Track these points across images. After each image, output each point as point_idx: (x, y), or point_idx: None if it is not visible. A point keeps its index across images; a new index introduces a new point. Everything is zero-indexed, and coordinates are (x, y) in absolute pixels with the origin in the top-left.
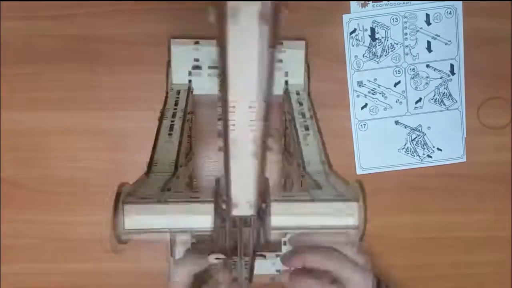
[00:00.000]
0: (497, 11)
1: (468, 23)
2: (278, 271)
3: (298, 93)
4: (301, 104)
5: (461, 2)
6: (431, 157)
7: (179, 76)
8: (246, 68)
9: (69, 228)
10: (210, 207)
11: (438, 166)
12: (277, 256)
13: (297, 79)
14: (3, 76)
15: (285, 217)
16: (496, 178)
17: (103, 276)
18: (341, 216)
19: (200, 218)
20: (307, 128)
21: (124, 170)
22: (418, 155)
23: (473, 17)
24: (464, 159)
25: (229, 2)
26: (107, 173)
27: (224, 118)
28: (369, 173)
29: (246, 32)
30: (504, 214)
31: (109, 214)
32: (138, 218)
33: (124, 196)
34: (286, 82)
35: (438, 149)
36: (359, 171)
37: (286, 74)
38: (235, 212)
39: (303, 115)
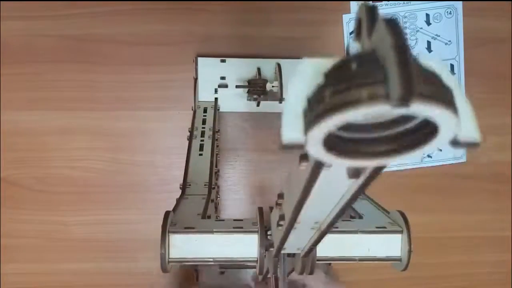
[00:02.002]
0: (497, 11)
1: (468, 23)
2: None
3: None
4: None
5: (461, 2)
6: (431, 157)
7: (205, 94)
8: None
9: (69, 228)
10: (255, 237)
11: (438, 166)
12: None
13: None
14: (3, 76)
15: (330, 249)
16: (496, 178)
17: (103, 276)
18: (385, 248)
19: (246, 249)
20: None
21: (123, 170)
22: None
23: (473, 17)
24: (464, 159)
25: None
26: (107, 173)
27: (288, 229)
28: None
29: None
30: (504, 214)
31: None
32: (184, 249)
33: (170, 226)
34: None
35: (438, 149)
36: None
37: None
38: (284, 251)
39: None
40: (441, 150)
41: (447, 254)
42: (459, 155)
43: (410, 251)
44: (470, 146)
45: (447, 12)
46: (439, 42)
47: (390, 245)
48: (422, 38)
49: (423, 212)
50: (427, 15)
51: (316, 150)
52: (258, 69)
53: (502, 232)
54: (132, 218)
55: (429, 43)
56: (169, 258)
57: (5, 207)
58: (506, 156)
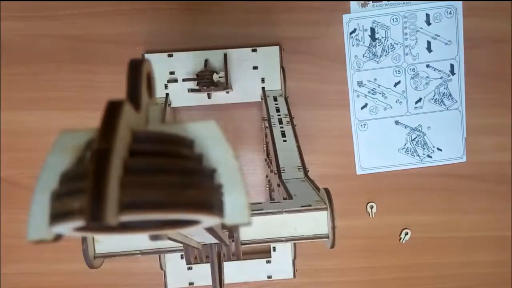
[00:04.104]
0: (497, 11)
1: (468, 23)
2: (269, 277)
3: (275, 99)
4: (278, 110)
5: (461, 2)
6: (431, 157)
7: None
8: None
9: None
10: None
11: (438, 166)
12: (267, 262)
13: (274, 84)
14: (3, 76)
15: (255, 232)
16: (496, 178)
17: (103, 276)
18: (312, 226)
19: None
20: (283, 135)
21: None
22: (418, 155)
23: (473, 17)
24: (464, 159)
25: None
26: None
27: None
28: (369, 173)
29: None
30: (504, 214)
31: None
32: (109, 242)
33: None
34: (263, 89)
35: (438, 149)
36: (359, 171)
37: (263, 80)
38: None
39: (280, 121)
40: (441, 150)
41: (447, 254)
42: (459, 155)
43: (334, 227)
44: (240, 226)
45: (447, 12)
46: (439, 42)
47: (317, 223)
48: (422, 38)
49: (423, 212)
50: (427, 15)
51: (70, 233)
52: (206, 61)
53: (502, 232)
54: None
55: (429, 43)
56: (95, 253)
57: (5, 207)
58: (506, 156)
